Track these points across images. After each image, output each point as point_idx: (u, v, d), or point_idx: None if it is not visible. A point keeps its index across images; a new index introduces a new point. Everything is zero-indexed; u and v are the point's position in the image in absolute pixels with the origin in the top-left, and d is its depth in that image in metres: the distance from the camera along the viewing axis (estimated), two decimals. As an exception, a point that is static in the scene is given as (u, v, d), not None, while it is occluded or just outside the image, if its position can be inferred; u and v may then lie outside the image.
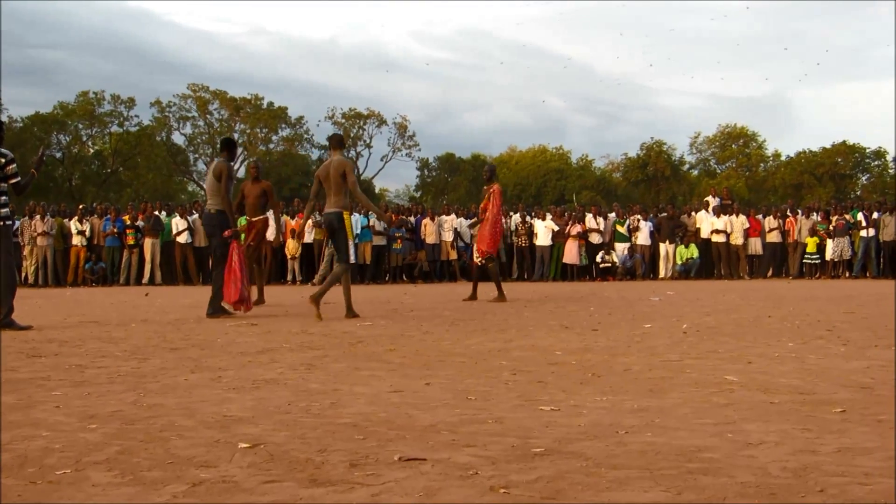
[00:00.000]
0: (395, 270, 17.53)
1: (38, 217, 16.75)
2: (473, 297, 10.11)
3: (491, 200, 9.87)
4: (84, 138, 43.20)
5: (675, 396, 3.34)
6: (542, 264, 17.86)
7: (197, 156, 47.64)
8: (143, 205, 17.90)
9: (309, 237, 16.75)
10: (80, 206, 18.44)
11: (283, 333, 6.16)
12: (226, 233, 7.10)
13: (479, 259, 10.11)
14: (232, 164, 7.60)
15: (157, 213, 17.25)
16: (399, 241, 17.35)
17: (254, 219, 9.52)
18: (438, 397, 3.37)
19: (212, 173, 7.39)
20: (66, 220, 17.26)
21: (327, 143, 9.00)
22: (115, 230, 17.05)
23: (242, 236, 9.04)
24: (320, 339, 5.70)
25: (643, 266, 17.89)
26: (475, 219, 10.22)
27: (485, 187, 10.29)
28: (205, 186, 7.42)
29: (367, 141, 52.05)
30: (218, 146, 8.09)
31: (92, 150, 43.64)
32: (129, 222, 17.07)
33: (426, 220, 17.89)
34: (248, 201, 9.47)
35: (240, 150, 47.68)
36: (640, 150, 46.39)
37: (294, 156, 49.52)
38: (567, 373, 4.03)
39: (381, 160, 51.96)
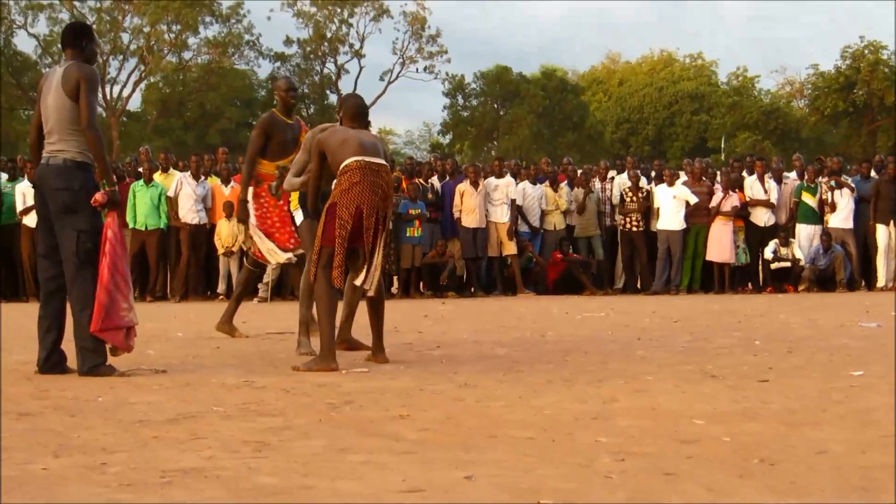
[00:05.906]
0: (408, 275, 17.54)
1: None
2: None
3: None
4: None
5: (908, 500, 3.33)
6: (669, 263, 17.79)
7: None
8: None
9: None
10: None
11: (211, 387, 6.18)
12: (96, 197, 6.95)
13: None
14: (95, 68, 7.39)
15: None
16: (417, 223, 17.34)
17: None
18: (489, 500, 3.37)
19: (60, 86, 7.12)
20: None
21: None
22: None
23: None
24: (278, 398, 5.71)
25: (848, 266, 17.73)
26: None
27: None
28: (43, 117, 7.25)
29: (357, 46, 52.13)
30: (62, 44, 7.98)
31: None
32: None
33: (463, 187, 17.92)
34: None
35: (136, 63, 47.96)
36: (841, 61, 45.92)
37: (228, 72, 49.63)
38: (714, 457, 4.03)
39: (382, 79, 52.06)
